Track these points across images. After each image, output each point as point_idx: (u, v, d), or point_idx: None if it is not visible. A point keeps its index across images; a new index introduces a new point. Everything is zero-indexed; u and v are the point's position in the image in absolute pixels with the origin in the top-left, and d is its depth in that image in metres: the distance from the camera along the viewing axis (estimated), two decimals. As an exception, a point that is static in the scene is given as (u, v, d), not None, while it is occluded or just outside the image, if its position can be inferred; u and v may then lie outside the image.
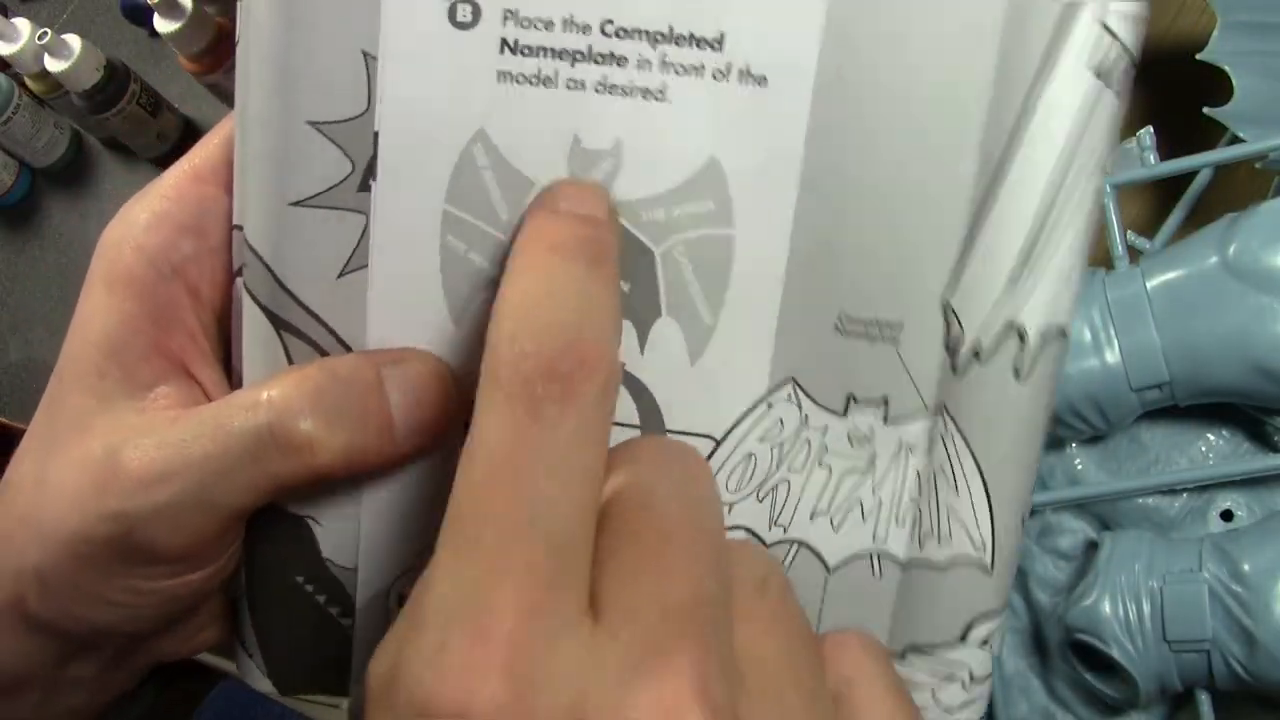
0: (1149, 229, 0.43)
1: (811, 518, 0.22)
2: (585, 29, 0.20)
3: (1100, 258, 0.46)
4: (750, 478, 0.22)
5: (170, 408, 0.22)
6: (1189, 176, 0.41)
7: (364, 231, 0.21)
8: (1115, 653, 0.35)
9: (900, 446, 0.22)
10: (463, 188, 0.21)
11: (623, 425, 0.22)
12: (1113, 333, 0.36)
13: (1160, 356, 0.35)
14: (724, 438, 0.22)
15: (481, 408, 0.17)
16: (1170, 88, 0.48)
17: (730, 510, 0.22)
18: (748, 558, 0.19)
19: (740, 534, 0.22)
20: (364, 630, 0.24)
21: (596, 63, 0.20)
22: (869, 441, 0.22)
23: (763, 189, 0.21)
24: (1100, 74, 0.20)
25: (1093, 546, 0.39)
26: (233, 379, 0.23)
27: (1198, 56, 0.40)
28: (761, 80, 0.20)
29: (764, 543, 0.22)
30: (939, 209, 0.21)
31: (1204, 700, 0.35)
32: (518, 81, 0.20)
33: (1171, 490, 0.38)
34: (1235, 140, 0.39)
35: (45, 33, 0.69)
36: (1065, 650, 0.37)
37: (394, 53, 0.20)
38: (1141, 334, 0.36)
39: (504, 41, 0.20)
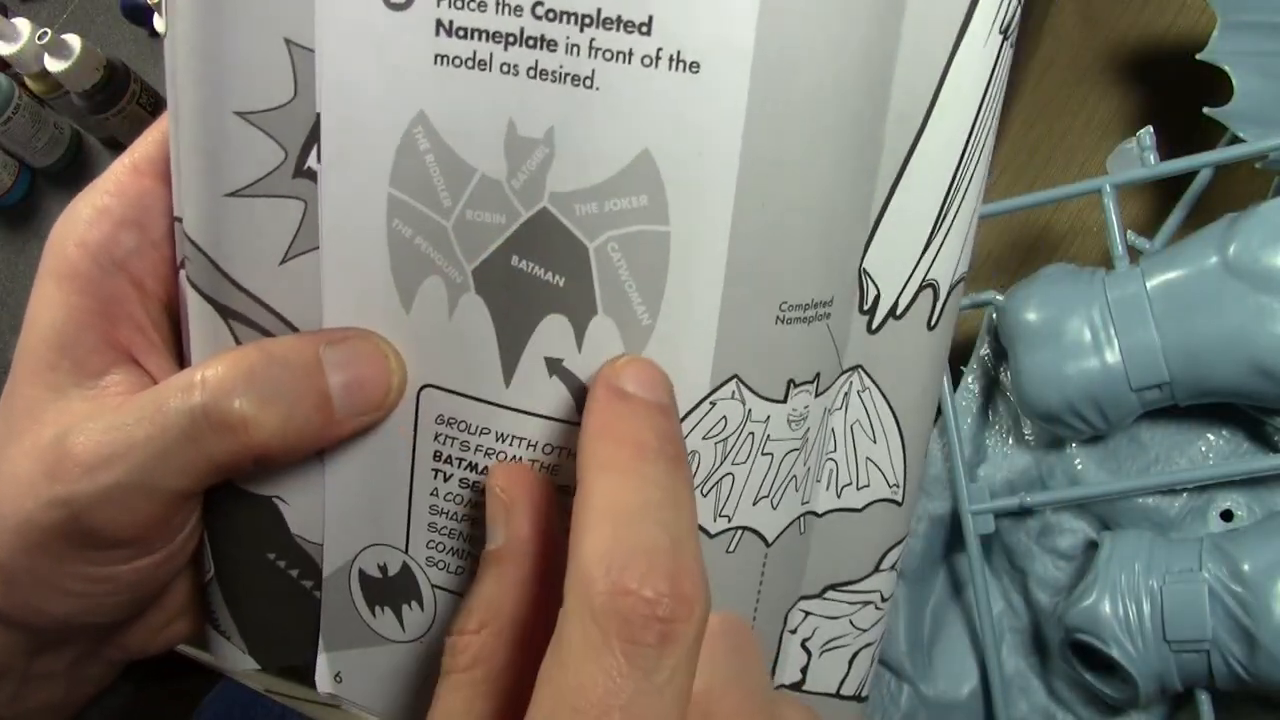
0: (1149, 229, 0.43)
1: (754, 503, 0.22)
2: (517, 10, 0.19)
3: (1100, 258, 0.46)
4: (694, 474, 0.22)
5: (119, 394, 0.22)
6: (1189, 176, 0.41)
7: (303, 216, 0.21)
8: (1115, 653, 0.35)
9: (824, 412, 0.23)
10: (406, 171, 0.20)
11: (560, 421, 0.21)
12: (1113, 333, 0.36)
13: (1160, 356, 0.35)
14: None
15: (574, 637, 0.17)
16: (1170, 88, 0.48)
17: None
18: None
19: None
20: (330, 599, 0.24)
21: (528, 46, 0.19)
22: (804, 419, 0.22)
23: (698, 184, 0.20)
24: (1005, 31, 0.20)
25: (1093, 546, 0.39)
26: (183, 367, 0.23)
27: (1198, 56, 0.40)
28: (694, 67, 0.19)
29: (709, 534, 0.22)
30: (862, 182, 0.21)
31: (1204, 700, 0.35)
32: (454, 64, 0.19)
33: (1171, 490, 0.38)
34: (1235, 140, 0.39)
35: (45, 33, 0.69)
36: (1065, 650, 0.37)
37: (331, 35, 0.20)
38: (1141, 334, 0.36)
39: (439, 23, 0.19)
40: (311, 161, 0.21)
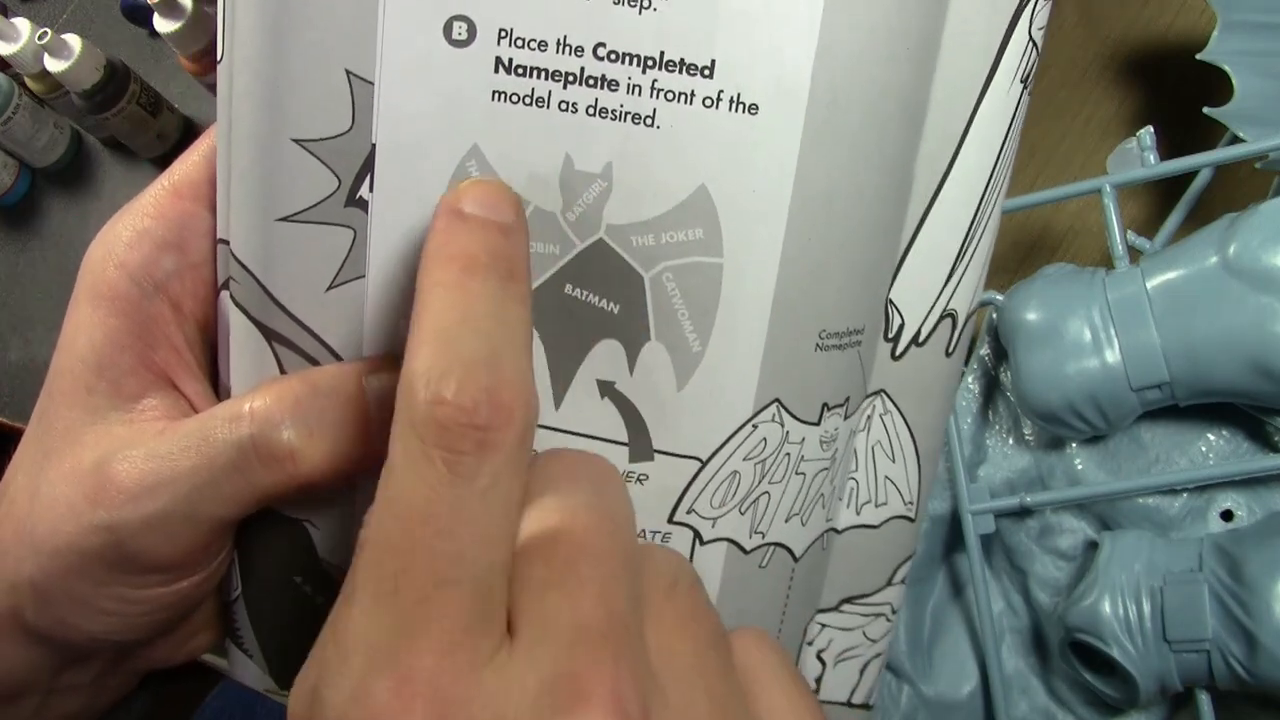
0: (1149, 229, 0.43)
1: (786, 520, 0.23)
2: (578, 51, 0.20)
3: (1100, 258, 0.46)
4: (734, 494, 0.22)
5: (158, 419, 0.22)
6: (1189, 176, 0.41)
7: (352, 245, 0.21)
8: (1115, 653, 0.35)
9: (851, 434, 0.23)
10: None
11: (611, 442, 0.22)
12: (1113, 333, 0.36)
13: (1160, 356, 0.35)
14: (709, 459, 0.22)
15: (397, 450, 0.17)
16: (1170, 88, 0.48)
17: (714, 524, 0.23)
18: (656, 560, 0.19)
19: (722, 545, 0.23)
20: None
21: (589, 85, 0.20)
22: (834, 440, 0.23)
23: (752, 218, 0.20)
24: (1025, 81, 0.22)
25: (1093, 546, 0.39)
26: (219, 390, 0.24)
27: (1198, 56, 0.40)
28: (753, 109, 0.20)
29: (744, 550, 0.23)
30: (895, 214, 0.22)
31: (1204, 700, 0.35)
32: (511, 101, 0.20)
33: (1171, 490, 0.38)
34: (1235, 140, 0.39)
35: (45, 33, 0.69)
36: (1065, 650, 0.37)
37: (392, 68, 0.20)
38: (1141, 334, 0.36)
39: (498, 60, 0.20)
40: (364, 191, 0.21)
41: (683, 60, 0.20)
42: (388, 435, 0.21)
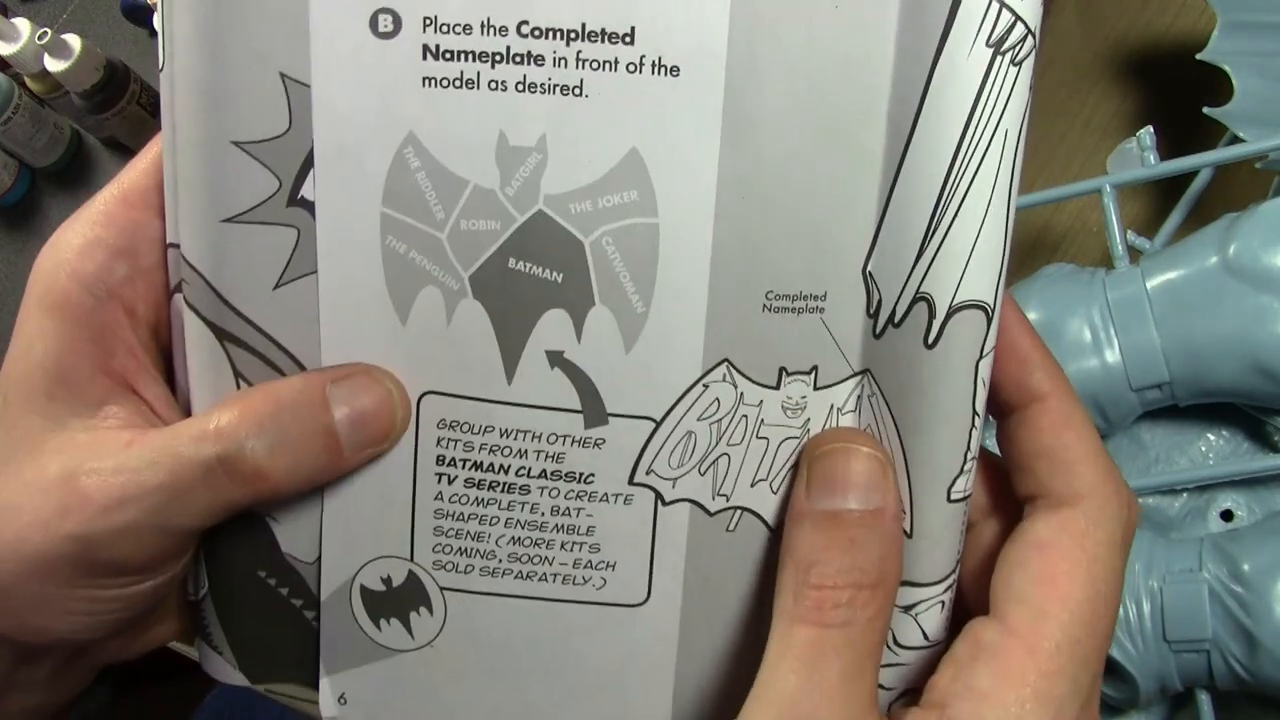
0: (1149, 229, 0.43)
1: (752, 485, 0.23)
2: (503, 31, 0.21)
3: (1100, 258, 0.46)
4: (691, 454, 0.23)
5: (120, 426, 0.23)
6: (1189, 176, 0.41)
7: (296, 243, 0.22)
8: (1115, 653, 0.35)
9: (831, 409, 0.23)
10: (398, 190, 0.22)
11: (566, 410, 0.23)
12: (1113, 333, 0.36)
13: (1160, 356, 0.35)
14: (663, 419, 0.23)
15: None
16: (1170, 88, 0.48)
17: (674, 485, 0.23)
18: None
19: (684, 506, 0.23)
20: (330, 622, 0.25)
21: (516, 63, 0.21)
22: (802, 409, 0.23)
23: (683, 177, 0.21)
24: (997, 46, 0.21)
25: (1093, 546, 0.39)
26: (177, 392, 0.24)
27: (1198, 56, 0.40)
28: (674, 70, 0.21)
29: (708, 512, 0.23)
30: (853, 183, 0.22)
31: (1204, 700, 0.35)
32: (442, 86, 0.21)
33: (1171, 490, 0.38)
34: (1235, 140, 0.39)
35: (45, 33, 0.69)
36: (1065, 650, 0.37)
37: (323, 67, 0.21)
38: (1141, 334, 0.36)
39: (426, 48, 0.21)
40: (305, 191, 0.22)
41: (604, 30, 0.20)
42: (355, 444, 0.22)
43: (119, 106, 0.71)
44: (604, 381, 0.22)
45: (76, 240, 0.23)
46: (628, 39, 0.21)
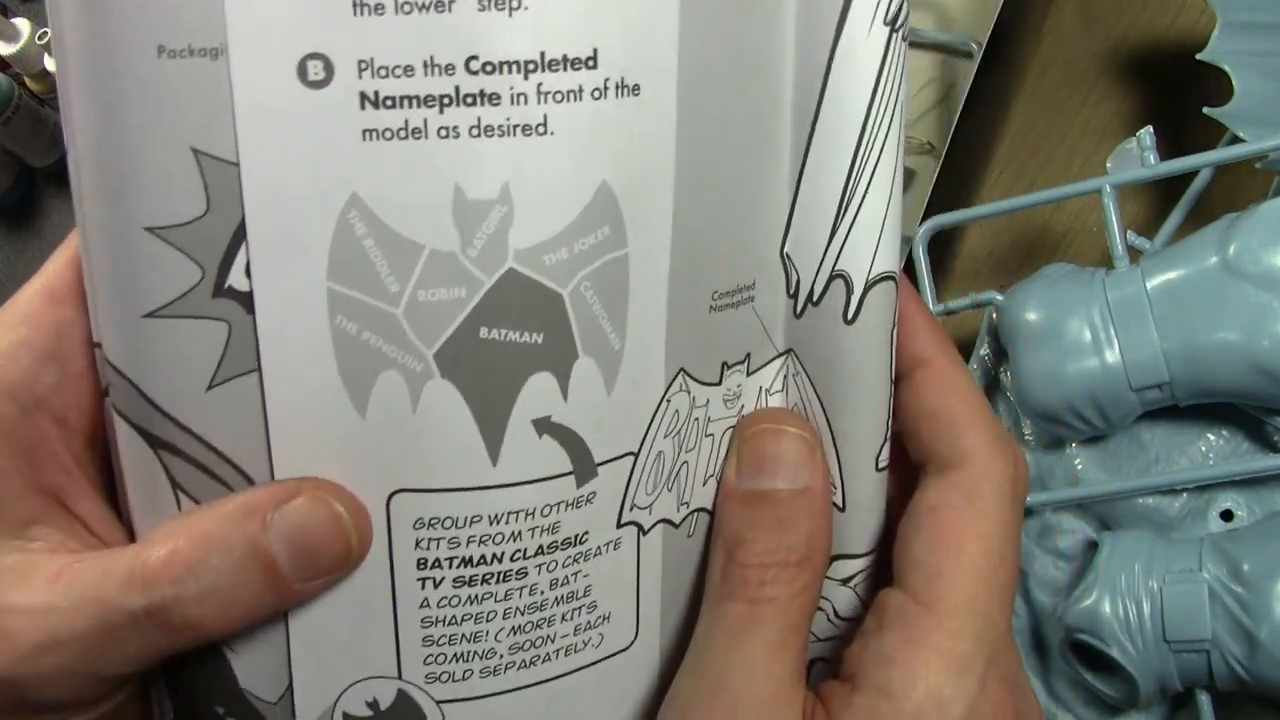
0: (1149, 229, 0.43)
1: (704, 484, 0.23)
2: (449, 69, 0.18)
3: (1100, 258, 0.46)
4: (662, 474, 0.22)
5: (50, 550, 0.21)
6: (1189, 176, 0.41)
7: (228, 339, 0.19)
8: (1115, 653, 0.35)
9: (760, 391, 0.23)
10: (344, 261, 0.18)
11: (557, 477, 0.20)
12: (1113, 333, 0.36)
13: (1160, 356, 0.35)
14: (639, 448, 0.21)
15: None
16: (1170, 88, 0.48)
17: (650, 512, 0.22)
18: None
19: (659, 529, 0.22)
20: None
21: (468, 104, 0.18)
22: (739, 397, 0.23)
23: (646, 200, 0.19)
24: (892, 23, 0.21)
25: (1093, 546, 0.39)
26: (119, 502, 0.22)
27: (1198, 56, 0.40)
28: (635, 89, 0.19)
29: (675, 525, 0.23)
30: (769, 169, 0.22)
31: (1204, 700, 0.35)
32: (385, 138, 0.18)
33: (1171, 490, 0.38)
34: (1235, 140, 0.39)
35: (45, 33, 0.69)
36: (1065, 650, 0.37)
37: (247, 122, 0.18)
38: (1141, 334, 0.36)
39: (364, 95, 0.18)
40: (234, 280, 0.19)
41: (565, 56, 0.18)
42: (305, 575, 0.20)
43: (119, 106, 0.71)
44: (592, 435, 0.20)
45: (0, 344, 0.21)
46: (591, 63, 0.18)
